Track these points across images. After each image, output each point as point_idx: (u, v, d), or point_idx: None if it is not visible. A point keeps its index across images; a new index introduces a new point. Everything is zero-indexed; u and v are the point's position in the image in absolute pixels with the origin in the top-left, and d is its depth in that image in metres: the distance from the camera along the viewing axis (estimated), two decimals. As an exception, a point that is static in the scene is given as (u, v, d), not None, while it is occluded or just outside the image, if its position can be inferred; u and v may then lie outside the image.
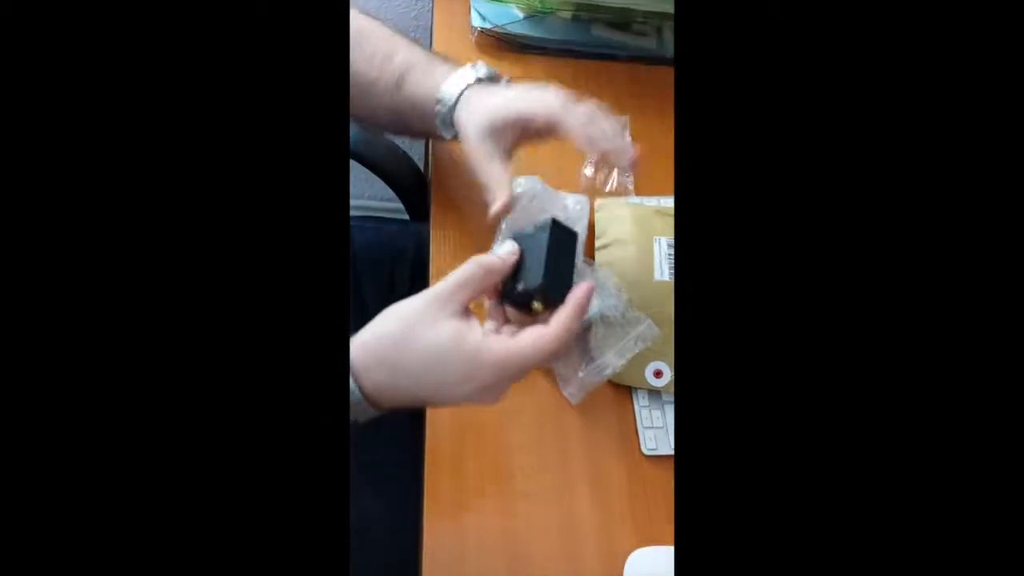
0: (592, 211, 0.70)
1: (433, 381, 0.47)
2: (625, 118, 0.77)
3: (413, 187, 0.85)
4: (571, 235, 0.51)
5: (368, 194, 1.40)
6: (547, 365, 0.63)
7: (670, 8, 0.81)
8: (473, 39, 0.81)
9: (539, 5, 0.81)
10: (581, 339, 0.62)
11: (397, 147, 0.84)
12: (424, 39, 0.86)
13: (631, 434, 0.62)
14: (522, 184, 0.67)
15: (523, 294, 0.49)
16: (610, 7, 0.81)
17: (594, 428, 0.62)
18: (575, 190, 0.71)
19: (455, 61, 0.63)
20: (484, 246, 0.55)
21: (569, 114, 0.56)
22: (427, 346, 0.46)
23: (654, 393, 0.63)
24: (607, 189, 0.73)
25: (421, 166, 0.91)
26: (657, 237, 0.66)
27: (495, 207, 0.57)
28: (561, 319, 0.46)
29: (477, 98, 0.60)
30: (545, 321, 0.47)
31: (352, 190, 1.32)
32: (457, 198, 0.71)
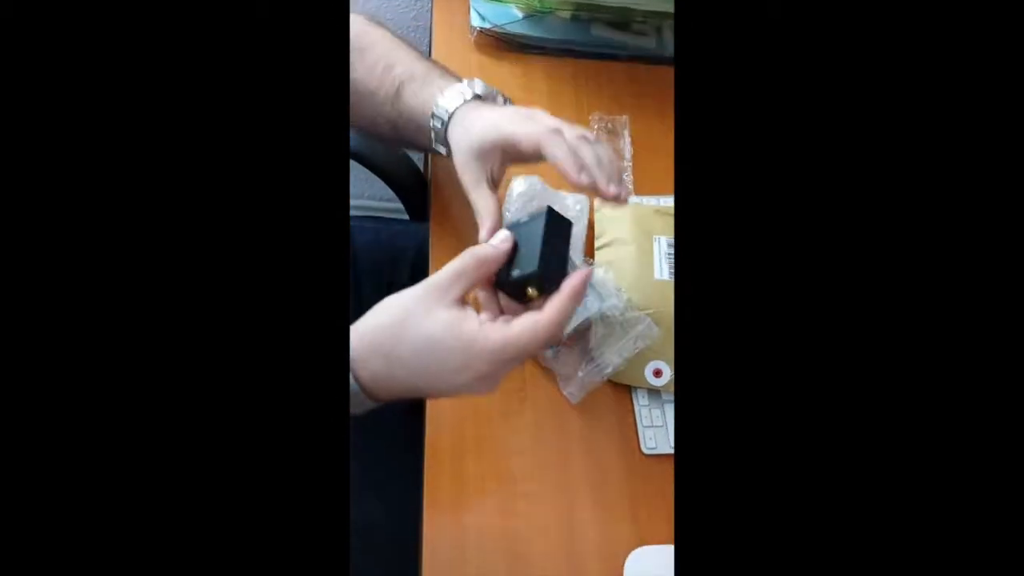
0: (592, 210, 0.70)
1: (429, 371, 0.47)
2: (625, 117, 0.78)
3: (413, 187, 0.85)
4: (567, 223, 0.51)
5: (368, 194, 1.40)
6: (542, 351, 0.62)
7: (670, 8, 0.81)
8: (472, 39, 0.81)
9: (538, 5, 0.81)
10: (581, 339, 0.63)
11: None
12: (424, 39, 0.86)
13: (631, 433, 0.62)
14: (522, 184, 0.67)
15: (518, 280, 0.49)
16: (609, 7, 0.81)
17: (594, 427, 0.62)
18: (575, 190, 0.71)
19: (454, 75, 0.63)
20: (484, 246, 0.55)
21: (553, 140, 0.54)
22: (423, 336, 0.46)
23: (654, 392, 0.63)
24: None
25: (421, 166, 0.91)
26: (657, 236, 0.66)
27: (482, 234, 0.56)
28: (555, 305, 0.46)
29: (468, 118, 0.59)
30: (539, 308, 0.46)
31: (352, 190, 1.32)
32: (457, 198, 0.70)
